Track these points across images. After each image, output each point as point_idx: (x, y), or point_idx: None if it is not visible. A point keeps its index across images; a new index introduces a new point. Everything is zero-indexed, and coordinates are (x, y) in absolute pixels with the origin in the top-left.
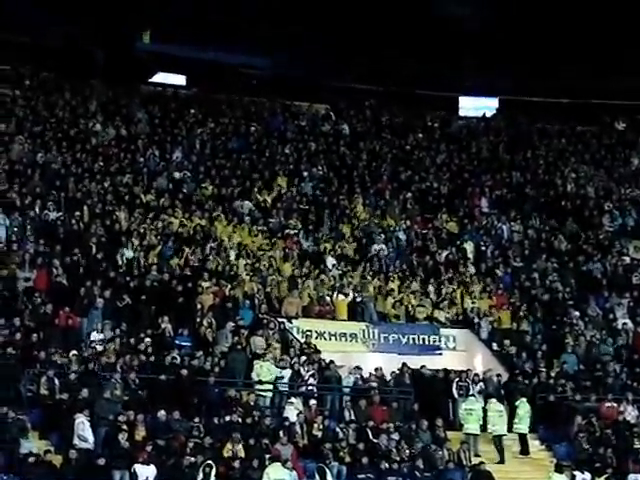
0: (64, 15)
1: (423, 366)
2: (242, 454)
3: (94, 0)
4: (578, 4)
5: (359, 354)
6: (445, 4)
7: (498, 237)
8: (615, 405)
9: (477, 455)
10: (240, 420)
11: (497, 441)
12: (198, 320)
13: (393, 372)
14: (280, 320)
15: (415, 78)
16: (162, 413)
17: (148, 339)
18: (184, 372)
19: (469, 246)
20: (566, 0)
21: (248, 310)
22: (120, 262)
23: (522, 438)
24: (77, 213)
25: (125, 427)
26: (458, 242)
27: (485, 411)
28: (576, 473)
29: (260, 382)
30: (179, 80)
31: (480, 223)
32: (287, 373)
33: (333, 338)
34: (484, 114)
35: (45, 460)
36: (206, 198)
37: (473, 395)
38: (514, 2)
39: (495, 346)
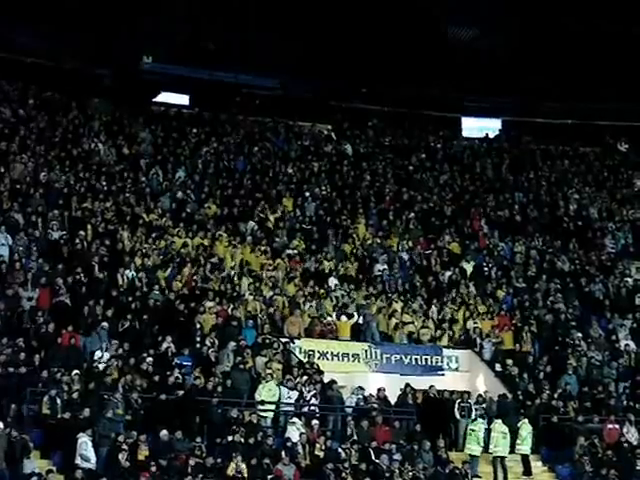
0: (68, 35)
1: (432, 386)
2: (245, 474)
3: (98, 20)
4: (580, 26)
5: (361, 374)
6: (450, 27)
7: (500, 258)
8: (617, 427)
9: (477, 476)
10: (242, 440)
11: (499, 462)
12: (199, 340)
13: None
14: (283, 340)
15: (418, 99)
16: (164, 433)
17: (150, 359)
18: (190, 391)
19: (470, 267)
20: (568, 22)
21: (251, 330)
22: (122, 281)
23: (524, 459)
24: (80, 232)
25: (127, 447)
26: (461, 263)
27: (488, 432)
28: None
29: (262, 402)
30: (182, 100)
31: (483, 244)
32: (292, 394)
33: (335, 358)
34: (487, 135)
35: None
36: (209, 218)
37: (475, 416)
38: (517, 24)
39: (498, 367)
